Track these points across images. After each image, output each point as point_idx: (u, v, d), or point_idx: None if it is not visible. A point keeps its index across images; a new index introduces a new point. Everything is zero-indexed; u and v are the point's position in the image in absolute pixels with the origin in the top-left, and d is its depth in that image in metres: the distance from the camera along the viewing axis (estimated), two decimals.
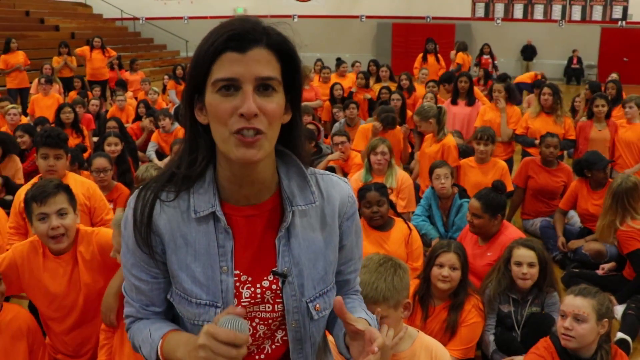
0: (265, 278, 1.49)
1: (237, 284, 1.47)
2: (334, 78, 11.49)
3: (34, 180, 4.41)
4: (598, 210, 5.46)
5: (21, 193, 4.33)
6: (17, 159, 6.16)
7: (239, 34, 1.33)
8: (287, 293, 1.49)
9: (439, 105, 6.79)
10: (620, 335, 4.18)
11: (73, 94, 11.16)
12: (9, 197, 5.11)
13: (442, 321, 3.64)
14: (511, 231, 4.48)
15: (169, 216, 1.46)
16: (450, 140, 6.33)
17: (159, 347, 1.46)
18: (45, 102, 9.71)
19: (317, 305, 1.53)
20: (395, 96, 8.89)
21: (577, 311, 3.01)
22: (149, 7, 23.09)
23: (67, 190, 3.23)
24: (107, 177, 5.16)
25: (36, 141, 4.43)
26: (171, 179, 1.47)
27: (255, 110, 1.32)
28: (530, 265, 3.74)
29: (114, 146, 6.18)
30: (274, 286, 1.49)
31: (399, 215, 4.62)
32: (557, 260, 5.51)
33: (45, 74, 11.02)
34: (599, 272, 5.00)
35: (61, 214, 3.13)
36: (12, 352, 3.08)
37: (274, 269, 1.49)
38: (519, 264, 3.76)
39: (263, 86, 1.34)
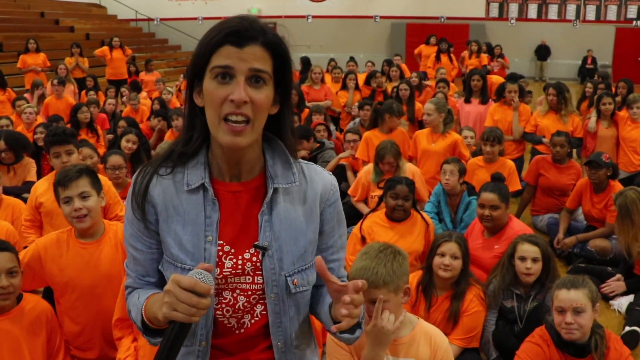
0: (247, 250, 1.62)
1: (220, 253, 1.61)
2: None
3: (49, 175, 4.55)
4: (599, 214, 5.50)
5: (37, 187, 4.48)
6: (32, 160, 6.24)
7: (238, 30, 1.49)
8: (266, 266, 1.61)
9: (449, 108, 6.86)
10: (629, 328, 4.21)
11: (84, 95, 11.28)
12: (26, 195, 5.21)
13: (445, 311, 3.72)
14: (517, 223, 4.60)
15: (163, 187, 1.61)
16: (458, 135, 6.51)
17: (143, 308, 1.59)
18: (58, 106, 9.74)
19: (295, 280, 1.64)
20: (403, 86, 8.86)
21: (575, 304, 3.04)
22: (163, 7, 23.26)
23: (90, 174, 3.42)
24: (122, 174, 5.27)
25: (45, 144, 4.57)
26: (169, 157, 1.63)
27: (245, 98, 1.47)
28: (534, 260, 3.79)
29: (131, 144, 6.34)
30: (254, 258, 1.61)
31: (417, 211, 4.71)
32: (563, 257, 5.56)
33: (60, 75, 11.10)
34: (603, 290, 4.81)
35: (84, 196, 3.32)
36: (32, 340, 3.18)
37: (255, 242, 1.61)
38: (522, 258, 3.81)
39: (255, 78, 1.50)
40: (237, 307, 1.63)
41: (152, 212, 1.62)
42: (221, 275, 1.60)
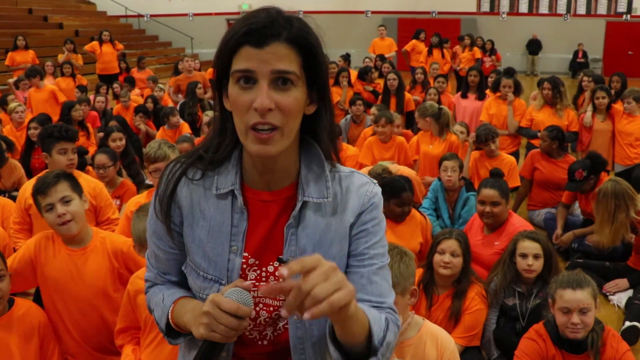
0: (270, 263, 1.51)
1: (244, 266, 1.50)
2: None
3: (40, 175, 4.44)
4: None
5: (27, 188, 4.35)
6: (18, 164, 6.09)
7: (257, 28, 1.33)
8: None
9: (441, 106, 6.78)
10: (628, 323, 4.19)
11: (61, 80, 11.25)
12: (16, 194, 5.11)
13: (446, 309, 3.66)
14: (517, 219, 4.58)
15: (191, 190, 1.51)
16: (454, 137, 6.48)
17: (169, 312, 1.54)
18: (40, 96, 9.64)
19: None
20: (392, 76, 8.87)
21: (582, 305, 3.00)
22: (153, 4, 23.08)
23: (69, 177, 3.31)
24: (108, 173, 5.20)
25: (51, 137, 4.37)
26: (199, 161, 1.52)
27: (268, 105, 1.32)
28: (536, 257, 3.75)
29: (118, 141, 6.37)
30: (277, 273, 1.47)
31: (416, 209, 4.66)
32: (561, 252, 5.51)
33: (32, 65, 10.91)
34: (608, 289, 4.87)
35: (65, 201, 3.20)
36: (24, 347, 3.10)
37: (279, 256, 1.49)
38: (524, 255, 3.76)
39: (281, 80, 1.34)
40: (258, 321, 1.53)
41: (178, 214, 1.52)
42: (247, 281, 1.48)
